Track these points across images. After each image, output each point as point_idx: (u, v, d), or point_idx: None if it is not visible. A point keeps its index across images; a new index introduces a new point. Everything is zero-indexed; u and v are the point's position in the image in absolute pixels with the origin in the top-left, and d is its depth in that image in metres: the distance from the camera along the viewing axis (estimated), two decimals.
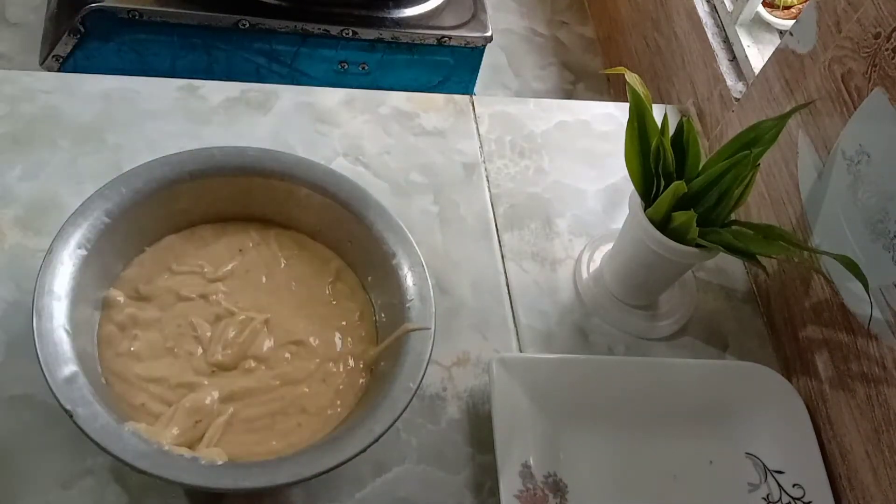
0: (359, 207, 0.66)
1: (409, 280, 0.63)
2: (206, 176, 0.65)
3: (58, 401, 0.52)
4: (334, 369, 0.63)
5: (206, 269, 0.65)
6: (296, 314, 0.65)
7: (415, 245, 0.65)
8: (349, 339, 0.65)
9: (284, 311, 0.65)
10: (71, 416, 0.51)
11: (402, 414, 0.56)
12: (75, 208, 0.60)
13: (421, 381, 0.58)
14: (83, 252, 0.59)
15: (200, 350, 0.61)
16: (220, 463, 0.54)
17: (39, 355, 0.53)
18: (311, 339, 0.64)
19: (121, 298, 0.62)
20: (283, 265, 0.67)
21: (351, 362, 0.63)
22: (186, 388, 0.59)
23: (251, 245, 0.68)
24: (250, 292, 0.65)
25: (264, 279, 0.66)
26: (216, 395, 0.59)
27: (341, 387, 0.62)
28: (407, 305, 0.62)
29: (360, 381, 0.63)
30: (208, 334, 0.62)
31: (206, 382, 0.60)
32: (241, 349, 0.61)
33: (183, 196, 0.65)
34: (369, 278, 0.67)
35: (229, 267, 0.66)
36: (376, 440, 0.55)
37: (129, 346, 0.60)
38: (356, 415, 0.59)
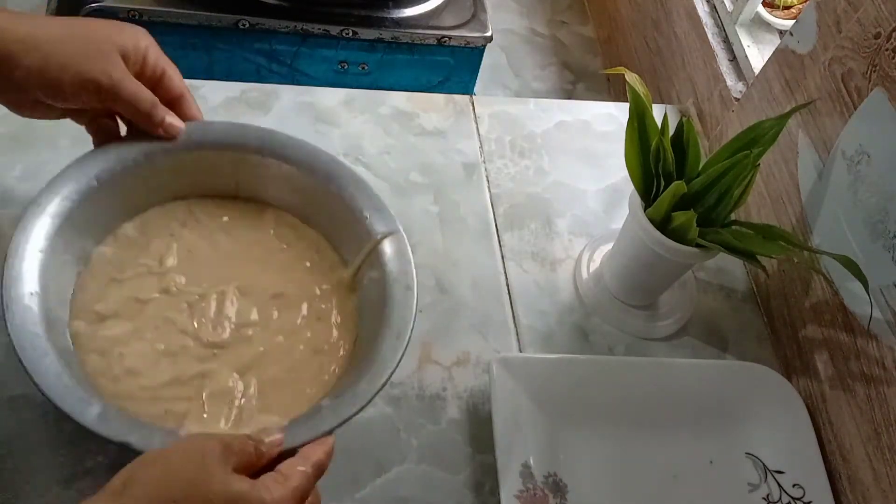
0: (256, 146, 0.65)
1: (354, 198, 0.63)
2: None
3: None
4: (323, 305, 0.63)
5: (150, 265, 0.63)
6: (260, 272, 0.64)
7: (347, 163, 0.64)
8: (320, 273, 0.65)
9: (247, 272, 0.64)
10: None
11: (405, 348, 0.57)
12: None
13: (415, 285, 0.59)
14: (34, 297, 0.55)
15: (192, 340, 0.60)
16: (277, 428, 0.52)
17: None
18: (287, 288, 0.63)
19: (83, 327, 0.59)
20: (220, 233, 0.66)
21: (335, 293, 0.64)
22: (199, 377, 0.58)
23: (178, 225, 0.66)
24: (205, 268, 0.64)
25: (211, 252, 0.65)
26: (232, 372, 0.58)
27: (339, 318, 0.62)
28: (366, 221, 0.62)
29: (352, 304, 0.63)
30: (193, 322, 0.61)
31: (214, 365, 0.59)
32: (230, 322, 0.61)
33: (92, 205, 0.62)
34: (309, 213, 0.66)
35: (171, 254, 0.64)
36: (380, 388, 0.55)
37: (122, 368, 0.58)
38: (351, 373, 0.59)
